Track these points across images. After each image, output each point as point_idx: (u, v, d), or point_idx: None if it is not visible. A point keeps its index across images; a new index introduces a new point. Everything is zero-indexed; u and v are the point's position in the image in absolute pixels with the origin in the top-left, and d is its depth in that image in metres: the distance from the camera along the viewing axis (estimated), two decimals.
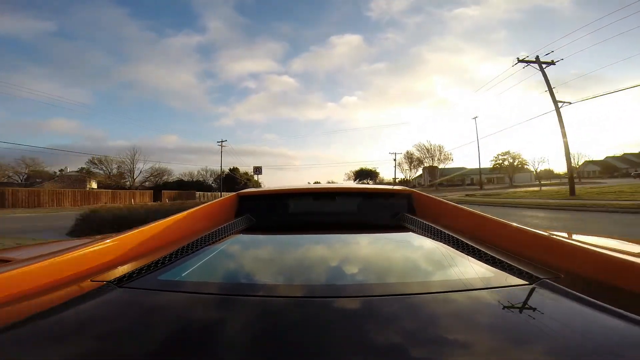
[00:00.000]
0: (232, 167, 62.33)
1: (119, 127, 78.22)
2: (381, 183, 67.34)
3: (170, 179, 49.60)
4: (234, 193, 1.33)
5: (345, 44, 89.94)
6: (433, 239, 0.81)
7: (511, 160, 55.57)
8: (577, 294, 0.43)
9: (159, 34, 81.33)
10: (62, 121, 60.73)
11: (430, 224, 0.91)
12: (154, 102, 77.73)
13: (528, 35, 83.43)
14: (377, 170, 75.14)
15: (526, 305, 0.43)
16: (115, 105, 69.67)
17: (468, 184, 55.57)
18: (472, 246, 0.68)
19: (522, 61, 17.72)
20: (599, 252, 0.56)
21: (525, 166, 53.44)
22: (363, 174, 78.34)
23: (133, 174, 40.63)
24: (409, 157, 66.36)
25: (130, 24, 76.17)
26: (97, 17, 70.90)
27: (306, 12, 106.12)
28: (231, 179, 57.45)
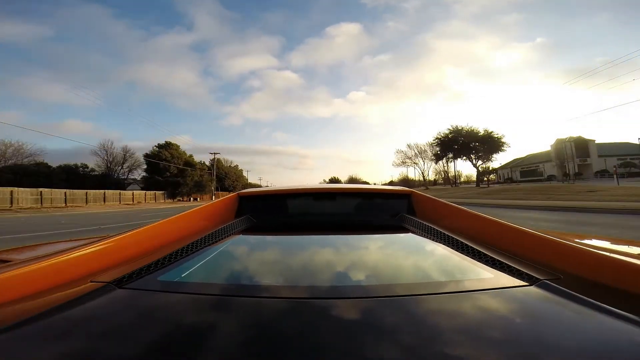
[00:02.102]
0: (161, 143, 42.74)
1: (131, 129, 76.08)
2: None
3: (40, 160, 34.97)
4: (235, 193, 1.32)
5: (344, 34, 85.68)
6: (433, 240, 0.82)
7: None
8: (577, 295, 0.43)
9: (149, 33, 78.29)
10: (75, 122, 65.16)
11: (429, 225, 0.92)
12: (160, 104, 78.21)
13: None
14: (502, 139, 40.84)
15: (526, 307, 0.43)
16: (124, 107, 70.50)
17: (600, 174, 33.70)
18: (471, 247, 0.68)
19: None
20: (599, 254, 0.56)
21: None
22: (459, 143, 41.68)
23: None
24: None
25: (119, 24, 74.55)
26: (89, 18, 66.86)
27: (297, 2, 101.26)
28: (154, 165, 40.13)
